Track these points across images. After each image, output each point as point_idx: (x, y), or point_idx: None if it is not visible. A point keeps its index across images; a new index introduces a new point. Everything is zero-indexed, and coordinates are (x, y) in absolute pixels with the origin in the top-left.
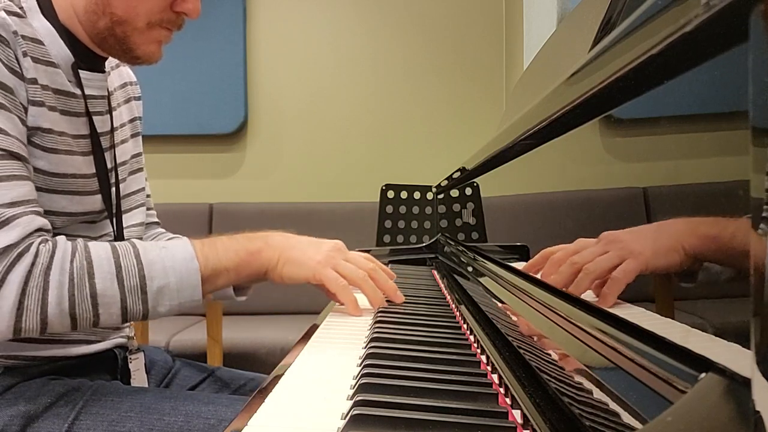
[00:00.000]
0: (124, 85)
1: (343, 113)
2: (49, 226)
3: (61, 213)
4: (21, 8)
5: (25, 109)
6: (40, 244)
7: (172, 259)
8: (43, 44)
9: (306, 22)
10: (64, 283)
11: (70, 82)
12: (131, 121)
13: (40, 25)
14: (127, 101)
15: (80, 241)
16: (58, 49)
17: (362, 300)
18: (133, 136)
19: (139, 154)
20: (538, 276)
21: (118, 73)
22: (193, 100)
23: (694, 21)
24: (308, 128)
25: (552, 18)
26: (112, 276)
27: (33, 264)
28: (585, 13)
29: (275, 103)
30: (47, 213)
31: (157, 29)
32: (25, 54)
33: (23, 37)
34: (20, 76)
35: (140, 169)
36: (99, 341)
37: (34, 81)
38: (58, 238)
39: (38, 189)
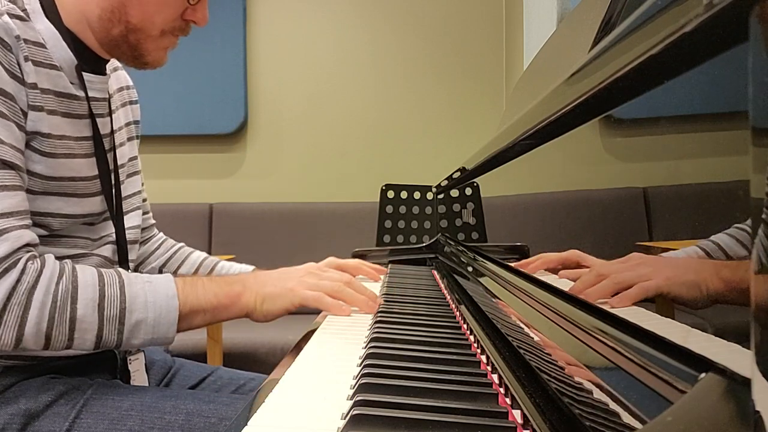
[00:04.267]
0: (120, 89)
1: (343, 113)
2: (37, 241)
3: (57, 215)
4: (24, 11)
5: (25, 115)
6: (27, 261)
7: (154, 294)
8: (46, 47)
9: (306, 22)
10: (47, 304)
11: (72, 84)
12: (128, 124)
13: (43, 28)
14: (124, 105)
15: (69, 264)
16: (61, 51)
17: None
18: (129, 139)
19: (135, 158)
20: (536, 273)
21: (116, 77)
22: (193, 100)
23: (694, 21)
24: (308, 128)
25: (552, 18)
26: (94, 304)
27: (18, 281)
28: (585, 13)
29: (275, 103)
30: (44, 215)
31: (168, 37)
32: (26, 58)
33: (26, 41)
34: (21, 81)
35: (137, 173)
36: None
37: (34, 86)
38: (46, 256)
39: (35, 193)
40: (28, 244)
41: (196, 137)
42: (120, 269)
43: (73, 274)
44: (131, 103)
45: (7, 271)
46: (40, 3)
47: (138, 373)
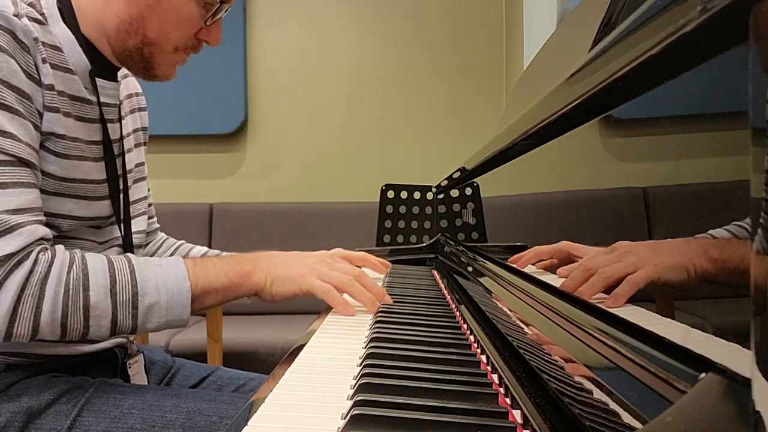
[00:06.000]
0: (129, 96)
1: (343, 113)
2: (50, 236)
3: (67, 216)
4: (42, 14)
5: (41, 115)
6: (39, 252)
7: (165, 276)
8: (62, 51)
9: (306, 22)
10: (60, 293)
11: (86, 89)
12: (135, 131)
13: (60, 32)
14: (133, 111)
15: (78, 252)
16: (76, 56)
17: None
18: (136, 145)
19: (141, 164)
20: (527, 269)
21: (126, 84)
22: (193, 100)
23: (694, 21)
24: (308, 128)
25: (552, 18)
26: (106, 290)
27: (31, 272)
28: (585, 13)
29: (275, 103)
30: (54, 216)
31: (180, 53)
32: (44, 60)
33: (43, 43)
34: (38, 83)
35: (143, 178)
36: (99, 341)
37: (51, 87)
38: (57, 247)
39: (48, 193)
40: (42, 239)
41: (196, 137)
42: (129, 254)
43: (83, 262)
44: (140, 109)
45: (20, 263)
46: (58, 8)
47: (138, 376)
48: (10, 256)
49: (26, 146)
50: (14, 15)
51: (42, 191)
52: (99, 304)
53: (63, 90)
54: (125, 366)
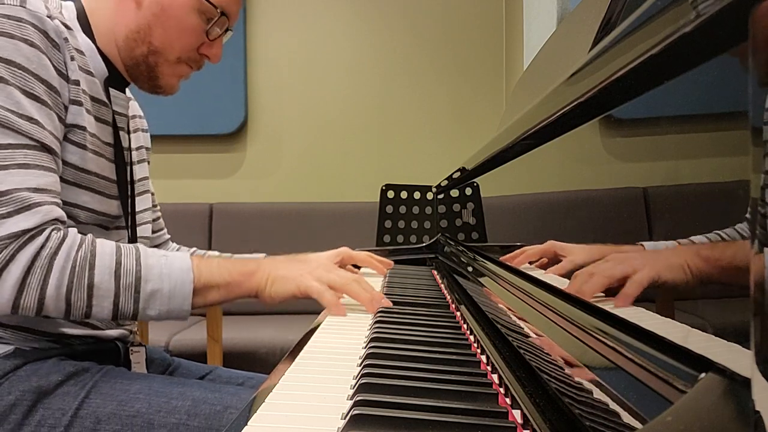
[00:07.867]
0: (133, 117)
1: (343, 113)
2: (65, 218)
3: (84, 208)
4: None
5: (66, 108)
6: (52, 231)
7: (169, 267)
8: (85, 55)
9: (306, 22)
10: (66, 269)
11: (104, 93)
12: (138, 148)
13: (81, 40)
14: (136, 131)
15: (89, 235)
16: (96, 62)
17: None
18: (140, 161)
19: (145, 178)
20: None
21: (131, 107)
22: (193, 100)
23: (694, 21)
24: (308, 128)
25: (552, 18)
26: (111, 271)
27: (42, 247)
28: (585, 13)
29: (275, 103)
30: (72, 206)
31: (182, 65)
32: (72, 59)
33: (71, 45)
34: (66, 78)
35: (146, 191)
36: (104, 329)
37: (77, 83)
38: (70, 229)
39: (67, 182)
40: (56, 219)
41: (196, 137)
42: (137, 244)
43: (92, 244)
44: (143, 131)
45: (33, 238)
46: (78, 20)
47: (138, 366)
48: (25, 232)
49: (50, 134)
50: (47, 16)
51: (63, 180)
52: (103, 284)
53: (85, 89)
54: (128, 358)
